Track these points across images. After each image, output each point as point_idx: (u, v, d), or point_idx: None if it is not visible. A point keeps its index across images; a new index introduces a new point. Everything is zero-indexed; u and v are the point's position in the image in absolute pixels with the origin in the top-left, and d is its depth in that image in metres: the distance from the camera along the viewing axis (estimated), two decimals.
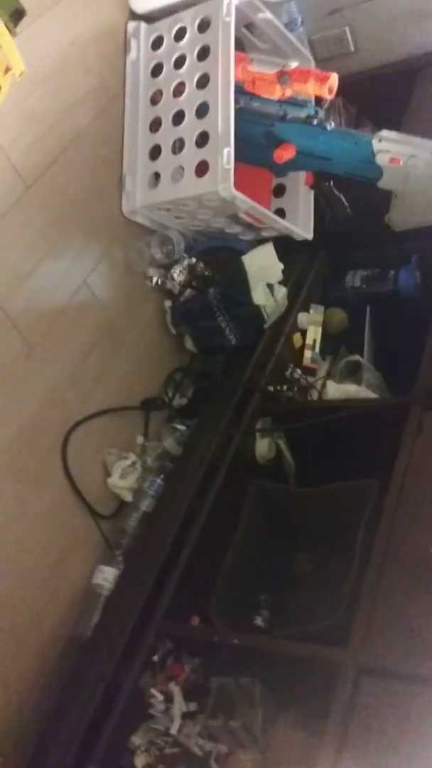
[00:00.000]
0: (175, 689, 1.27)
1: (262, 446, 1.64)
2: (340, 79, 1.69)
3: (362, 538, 1.33)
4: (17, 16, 1.38)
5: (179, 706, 1.25)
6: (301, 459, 1.69)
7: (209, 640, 1.32)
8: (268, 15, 1.75)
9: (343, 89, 1.74)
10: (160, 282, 1.84)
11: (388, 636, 1.11)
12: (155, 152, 1.73)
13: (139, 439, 1.73)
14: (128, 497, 1.62)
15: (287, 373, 1.80)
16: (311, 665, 1.20)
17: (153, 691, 1.27)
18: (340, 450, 1.50)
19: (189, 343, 1.88)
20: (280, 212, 1.92)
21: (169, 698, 1.27)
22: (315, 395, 1.80)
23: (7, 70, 1.30)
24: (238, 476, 1.57)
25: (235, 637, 1.30)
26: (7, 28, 1.31)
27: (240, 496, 1.56)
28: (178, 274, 1.83)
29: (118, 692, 1.26)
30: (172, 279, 1.83)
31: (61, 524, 1.52)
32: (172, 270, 1.83)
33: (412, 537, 1.24)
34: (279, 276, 1.84)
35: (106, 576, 1.49)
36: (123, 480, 1.62)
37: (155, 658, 1.30)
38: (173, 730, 1.22)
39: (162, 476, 1.63)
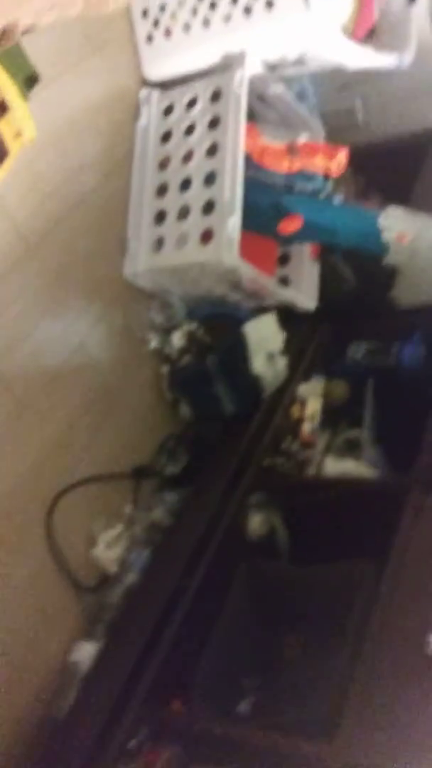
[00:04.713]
0: None
1: (255, 522, 1.65)
2: (349, 150, 1.77)
3: (355, 624, 1.34)
4: (31, 81, 1.47)
5: None
6: (295, 534, 1.70)
7: (190, 727, 1.32)
8: (280, 88, 1.84)
9: (351, 160, 1.83)
10: (158, 346, 1.89)
11: (376, 734, 1.12)
12: (160, 217, 1.80)
13: (128, 509, 1.75)
14: (113, 569, 1.63)
15: (284, 446, 1.83)
16: (297, 759, 1.19)
17: None
18: (336, 528, 1.52)
19: (184, 410, 1.92)
20: (284, 280, 1.98)
21: None
22: (312, 470, 1.82)
23: (18, 134, 1.38)
24: (228, 552, 1.58)
25: (217, 725, 1.29)
26: (21, 93, 1.40)
27: (229, 574, 1.57)
28: (177, 339, 1.89)
29: None
30: (171, 344, 1.89)
31: (41, 595, 1.52)
32: (172, 335, 1.89)
33: (407, 627, 1.25)
34: (280, 346, 1.90)
35: (84, 653, 1.49)
36: (108, 551, 1.63)
37: (132, 744, 1.29)
38: None
39: (150, 549, 1.64)
